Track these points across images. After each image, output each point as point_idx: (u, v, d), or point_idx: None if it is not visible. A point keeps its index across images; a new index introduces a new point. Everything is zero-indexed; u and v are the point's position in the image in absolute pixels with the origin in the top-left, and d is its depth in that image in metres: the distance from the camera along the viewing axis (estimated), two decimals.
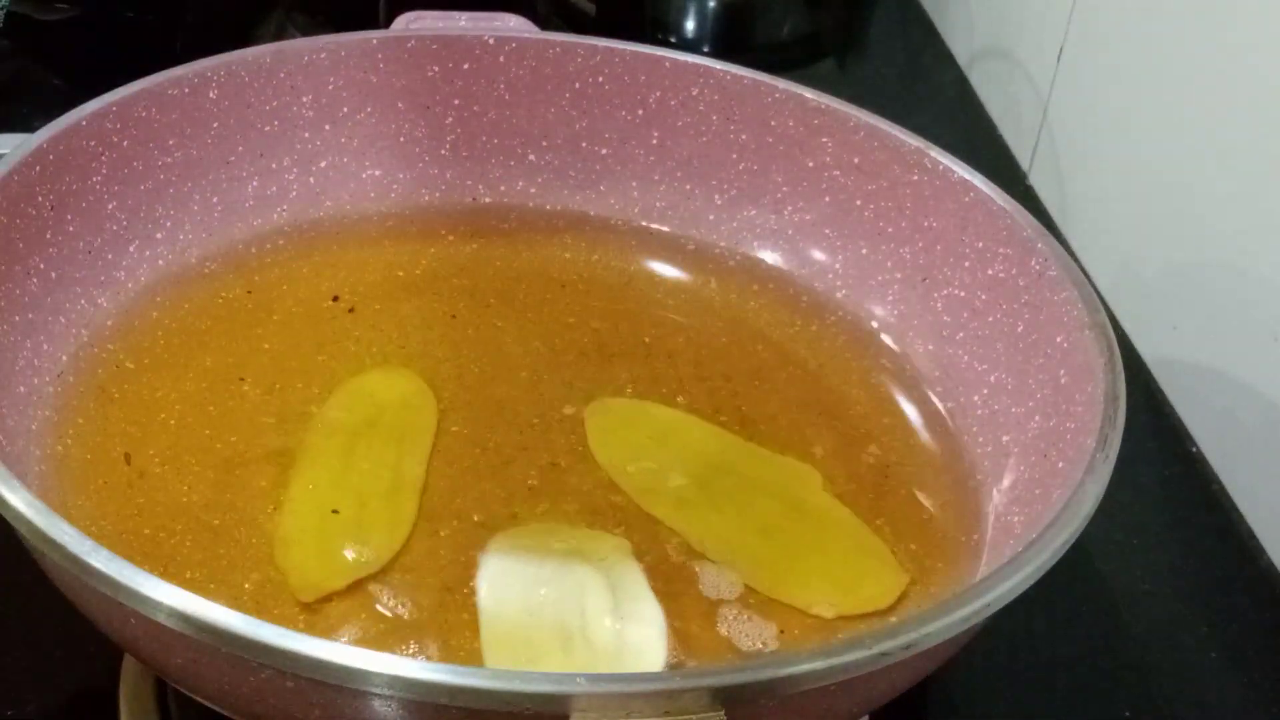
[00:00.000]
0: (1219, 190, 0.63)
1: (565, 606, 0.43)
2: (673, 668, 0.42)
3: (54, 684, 0.48)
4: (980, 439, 0.52)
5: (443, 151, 0.63)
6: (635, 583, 0.45)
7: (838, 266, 0.60)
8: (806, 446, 0.52)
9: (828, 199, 0.60)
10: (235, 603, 0.43)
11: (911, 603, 0.46)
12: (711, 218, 0.62)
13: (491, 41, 0.61)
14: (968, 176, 0.56)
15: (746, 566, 0.46)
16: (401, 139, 0.62)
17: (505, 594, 0.44)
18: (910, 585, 0.47)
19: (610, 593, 0.44)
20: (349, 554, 0.45)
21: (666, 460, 0.50)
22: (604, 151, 0.63)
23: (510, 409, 0.52)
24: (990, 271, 0.54)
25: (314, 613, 0.43)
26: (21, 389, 0.48)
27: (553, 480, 0.49)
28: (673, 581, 0.45)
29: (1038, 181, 0.81)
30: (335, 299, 0.56)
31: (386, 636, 0.43)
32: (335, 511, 0.46)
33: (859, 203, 0.59)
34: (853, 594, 0.46)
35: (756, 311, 0.59)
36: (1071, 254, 0.53)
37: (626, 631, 0.43)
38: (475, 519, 0.47)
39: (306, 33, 0.81)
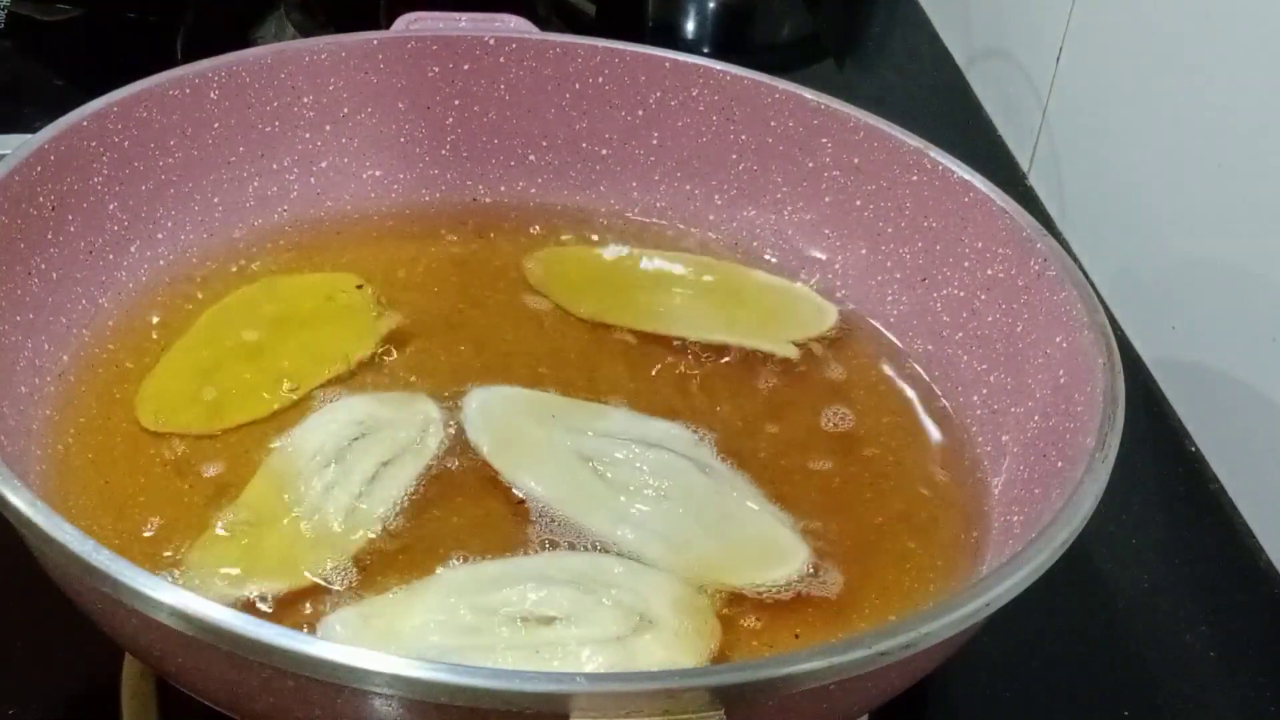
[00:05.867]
0: (1218, 190, 0.63)
1: (559, 606, 0.43)
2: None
3: (55, 684, 0.48)
4: (980, 439, 0.52)
5: (443, 151, 0.63)
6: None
7: (838, 266, 0.60)
8: (805, 446, 0.52)
9: (828, 199, 0.60)
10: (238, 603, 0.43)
11: (911, 603, 0.46)
12: (711, 218, 0.62)
13: (491, 42, 0.62)
14: (967, 177, 0.56)
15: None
16: (402, 139, 0.62)
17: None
18: (910, 584, 0.47)
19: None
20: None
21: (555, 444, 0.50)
22: (604, 151, 0.63)
23: None
24: (990, 271, 0.54)
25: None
26: (23, 389, 0.48)
27: None
28: None
29: (1037, 181, 0.81)
30: (360, 287, 0.57)
31: None
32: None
33: (859, 203, 0.59)
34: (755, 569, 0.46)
35: None
36: (1071, 254, 0.53)
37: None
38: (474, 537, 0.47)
39: (306, 33, 0.81)
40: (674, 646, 0.43)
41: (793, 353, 0.56)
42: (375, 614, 0.43)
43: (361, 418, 0.50)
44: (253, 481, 0.47)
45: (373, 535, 0.46)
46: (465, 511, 0.47)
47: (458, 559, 0.45)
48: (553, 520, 0.47)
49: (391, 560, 0.45)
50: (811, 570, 0.46)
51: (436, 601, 0.43)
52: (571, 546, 0.46)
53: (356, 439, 0.49)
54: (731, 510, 0.48)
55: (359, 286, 0.57)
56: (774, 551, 0.47)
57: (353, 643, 0.39)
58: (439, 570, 0.44)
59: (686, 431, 0.51)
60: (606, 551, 0.46)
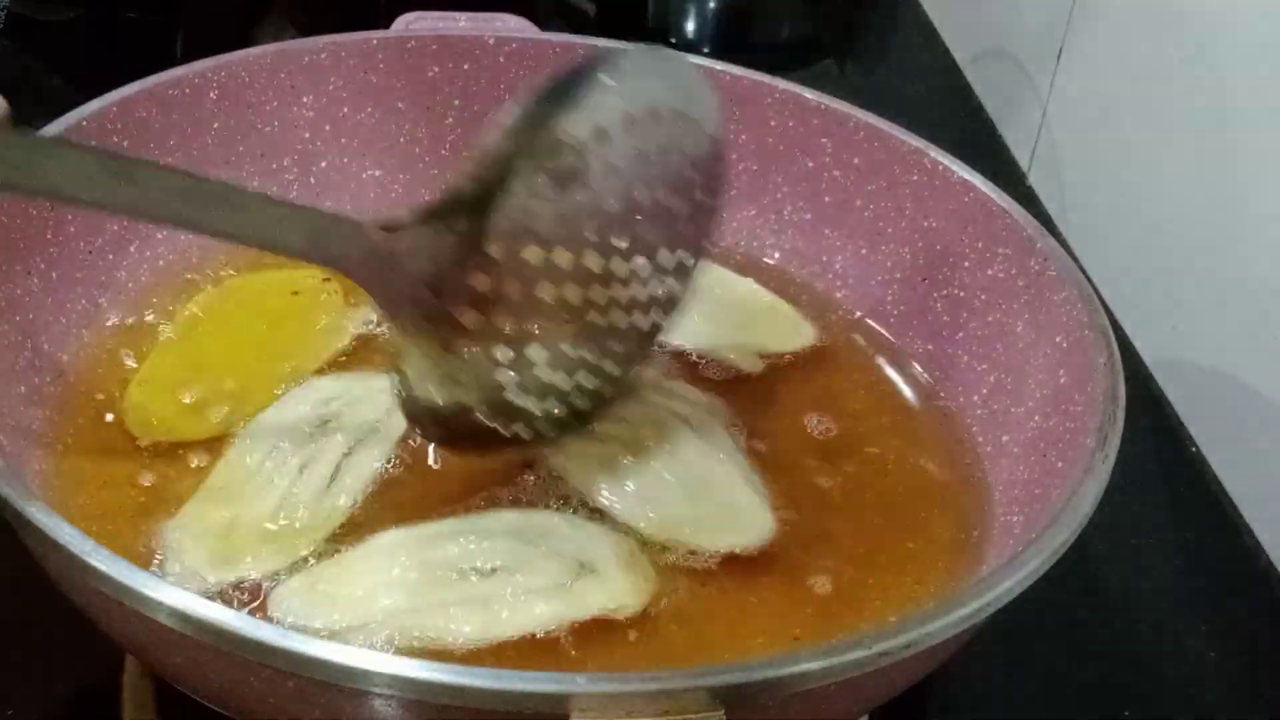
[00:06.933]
0: (1219, 190, 0.63)
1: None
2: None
3: (55, 684, 0.48)
4: (980, 439, 0.52)
5: (443, 152, 0.63)
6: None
7: (838, 266, 0.60)
8: (805, 446, 0.52)
9: (828, 199, 0.60)
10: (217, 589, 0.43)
11: (912, 602, 0.46)
12: None
13: (491, 42, 0.62)
14: (968, 176, 0.56)
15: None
16: (401, 139, 0.62)
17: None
18: (910, 584, 0.47)
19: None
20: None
21: None
22: None
23: None
24: (990, 271, 0.54)
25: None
26: (22, 389, 0.48)
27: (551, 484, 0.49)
28: None
29: (1038, 181, 0.81)
30: (326, 280, 0.57)
31: None
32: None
33: (859, 203, 0.59)
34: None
35: None
36: (1071, 254, 0.53)
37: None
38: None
39: (306, 33, 0.81)
40: (616, 588, 0.44)
41: (757, 366, 0.55)
42: (322, 580, 0.43)
43: (329, 397, 0.50)
44: (222, 464, 0.47)
45: (344, 517, 0.46)
46: (442, 481, 0.48)
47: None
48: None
49: (357, 533, 0.45)
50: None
51: (381, 562, 0.44)
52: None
53: (327, 421, 0.49)
54: (711, 474, 0.49)
55: (325, 280, 0.57)
56: (737, 520, 0.48)
57: (308, 613, 0.41)
58: (380, 532, 0.45)
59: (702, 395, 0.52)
60: (584, 505, 0.47)
